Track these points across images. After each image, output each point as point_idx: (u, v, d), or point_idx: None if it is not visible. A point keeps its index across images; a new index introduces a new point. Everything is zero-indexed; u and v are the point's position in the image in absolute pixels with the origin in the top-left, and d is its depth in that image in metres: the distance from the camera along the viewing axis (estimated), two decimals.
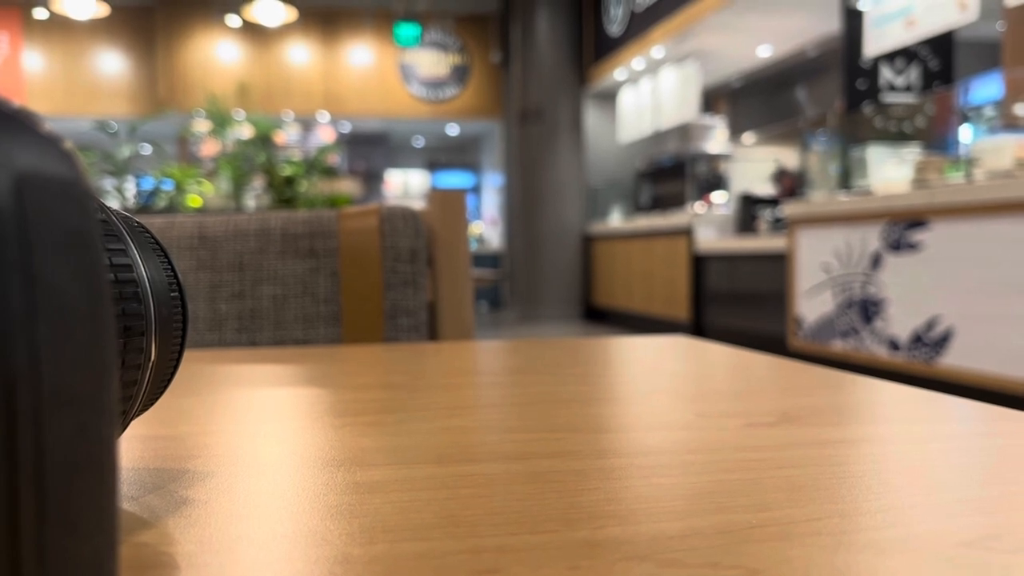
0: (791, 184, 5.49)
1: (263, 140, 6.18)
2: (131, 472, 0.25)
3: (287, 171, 5.60)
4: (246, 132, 6.28)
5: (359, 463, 0.26)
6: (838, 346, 3.75)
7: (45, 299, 0.10)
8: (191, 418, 0.34)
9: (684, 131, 6.76)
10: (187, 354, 0.54)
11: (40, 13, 8.48)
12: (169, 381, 0.23)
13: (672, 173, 6.41)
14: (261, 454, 0.28)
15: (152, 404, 0.24)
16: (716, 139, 6.78)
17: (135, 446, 0.29)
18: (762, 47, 6.55)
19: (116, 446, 0.11)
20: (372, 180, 10.97)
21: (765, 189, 5.77)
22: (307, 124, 9.73)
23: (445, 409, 0.35)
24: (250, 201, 5.86)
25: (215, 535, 0.19)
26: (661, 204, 6.52)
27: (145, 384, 0.21)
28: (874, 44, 4.26)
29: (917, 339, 3.29)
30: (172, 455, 0.27)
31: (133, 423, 0.32)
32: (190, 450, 0.28)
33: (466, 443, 0.29)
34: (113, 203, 5.20)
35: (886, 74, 4.67)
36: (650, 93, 7.12)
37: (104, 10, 7.47)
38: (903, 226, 3.35)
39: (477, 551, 0.18)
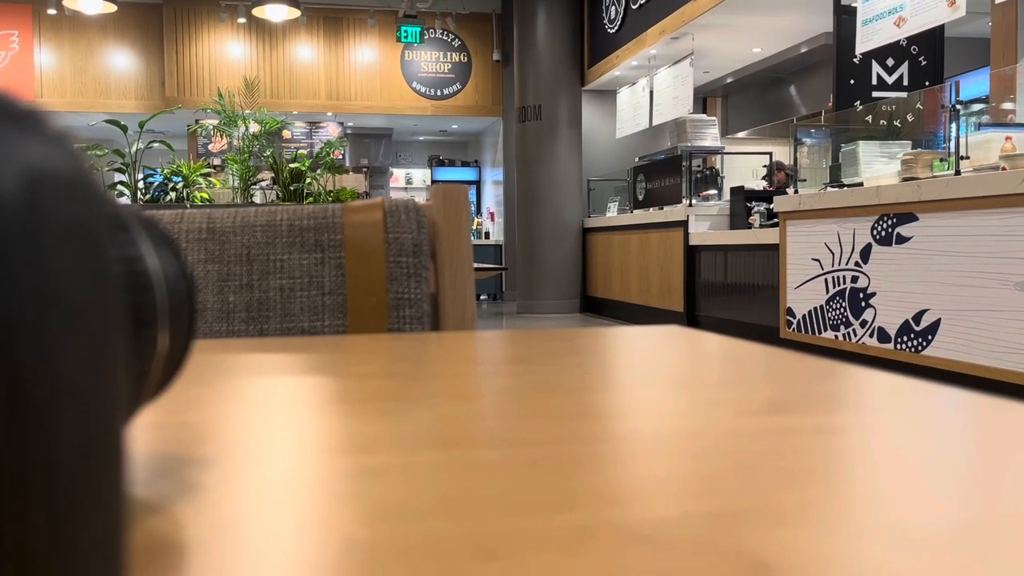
0: (783, 179, 5.52)
1: (270, 136, 6.20)
2: (142, 459, 0.26)
3: (293, 166, 5.62)
4: (253, 128, 6.30)
5: (364, 449, 0.26)
6: (829, 337, 3.79)
7: (55, 293, 0.10)
8: (200, 406, 0.34)
9: (680, 127, 6.76)
10: (196, 344, 0.54)
11: (50, 10, 8.50)
12: (179, 370, 0.24)
13: (668, 168, 6.42)
14: (269, 441, 0.28)
15: (162, 392, 0.24)
16: (711, 135, 6.79)
17: (146, 433, 0.29)
18: (756, 45, 6.55)
19: (126, 435, 0.12)
20: (376, 175, 10.98)
21: (758, 184, 5.80)
22: (312, 121, 9.74)
23: (447, 396, 0.35)
24: (257, 195, 5.88)
25: (224, 520, 0.20)
26: (657, 199, 6.53)
27: (155, 373, 0.21)
28: (865, 42, 4.27)
29: (905, 330, 3.31)
30: (182, 442, 0.28)
31: (144, 411, 0.32)
32: (199, 437, 0.28)
33: (468, 429, 0.29)
34: (123, 198, 5.22)
35: (877, 71, 4.67)
36: (647, 90, 7.14)
37: (112, 7, 7.48)
38: (892, 220, 3.37)
39: (478, 534, 0.18)
